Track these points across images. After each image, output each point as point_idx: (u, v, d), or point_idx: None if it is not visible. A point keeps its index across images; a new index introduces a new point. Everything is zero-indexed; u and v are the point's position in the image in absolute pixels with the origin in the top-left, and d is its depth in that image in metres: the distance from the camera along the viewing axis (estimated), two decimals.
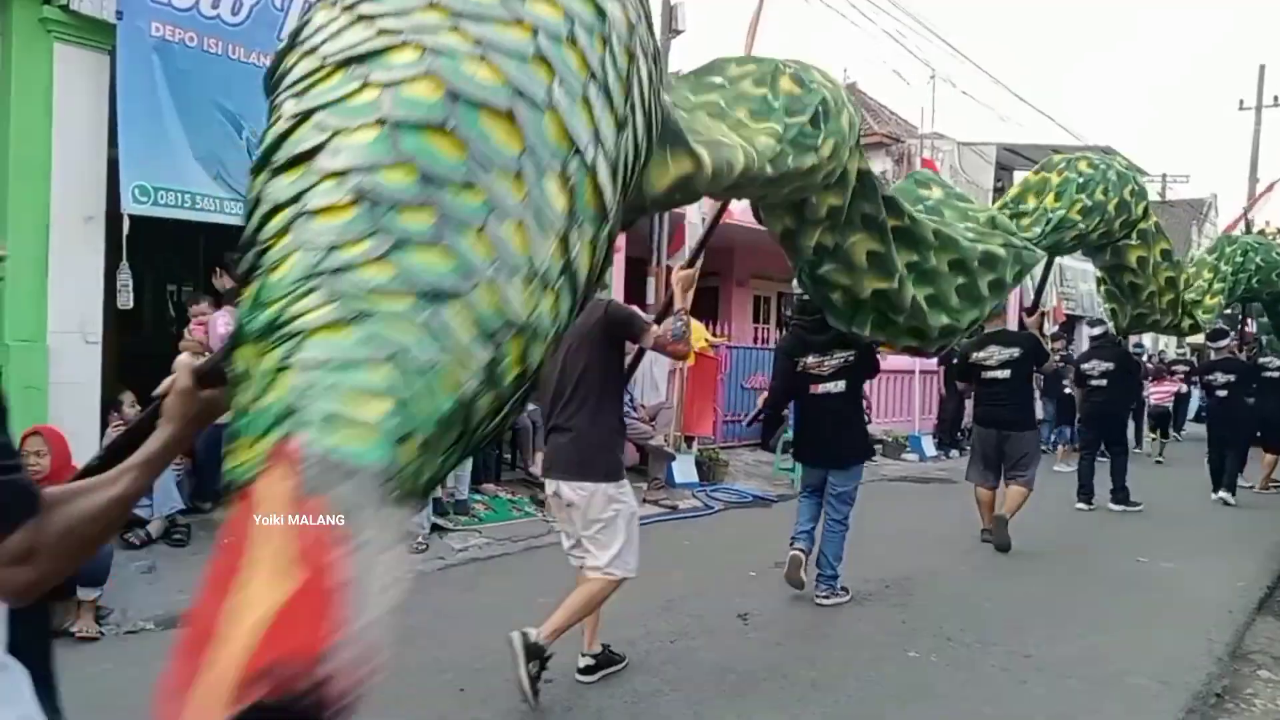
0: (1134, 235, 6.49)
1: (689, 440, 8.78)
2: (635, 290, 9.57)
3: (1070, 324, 17.78)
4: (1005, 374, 6.50)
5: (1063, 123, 60.84)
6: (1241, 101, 22.97)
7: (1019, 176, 22.36)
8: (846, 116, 3.26)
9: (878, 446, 10.60)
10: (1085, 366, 8.87)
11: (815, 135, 3.08)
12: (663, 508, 7.56)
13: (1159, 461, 12.49)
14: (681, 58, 11.46)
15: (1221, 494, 8.96)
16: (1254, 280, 8.63)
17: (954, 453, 12.30)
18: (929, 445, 11.98)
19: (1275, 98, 22.65)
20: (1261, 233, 11.43)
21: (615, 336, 3.78)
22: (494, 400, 1.19)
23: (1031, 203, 5.82)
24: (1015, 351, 6.51)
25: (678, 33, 9.18)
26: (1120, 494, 8.37)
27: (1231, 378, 9.12)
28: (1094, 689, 3.99)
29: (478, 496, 6.98)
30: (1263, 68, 22.67)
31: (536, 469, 7.62)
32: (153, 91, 5.32)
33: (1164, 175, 24.17)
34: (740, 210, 8.60)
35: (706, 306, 12.83)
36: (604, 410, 3.71)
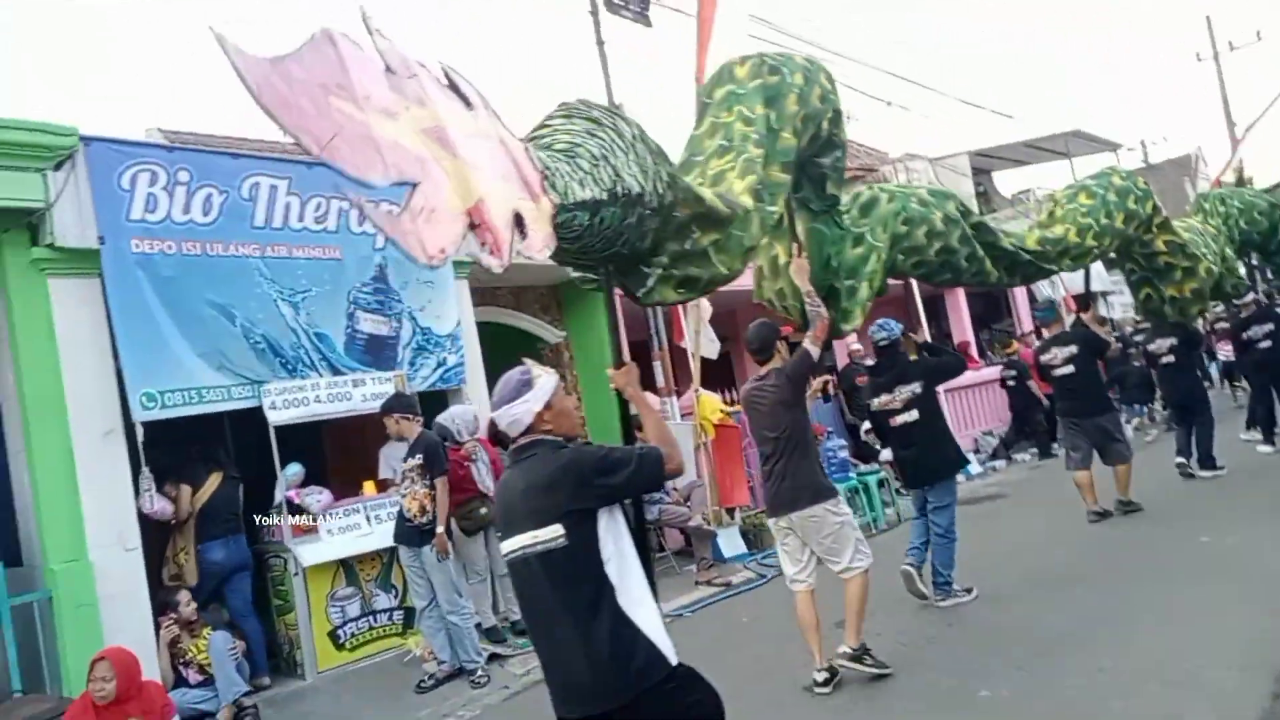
0: (1154, 228, 7.32)
1: (730, 512, 8.74)
2: (644, 374, 9.68)
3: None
4: (1070, 369, 7.43)
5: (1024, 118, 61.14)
6: (1198, 54, 23.16)
7: (997, 177, 22.51)
8: None
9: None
10: (1151, 347, 9.13)
11: None
12: (716, 586, 7.49)
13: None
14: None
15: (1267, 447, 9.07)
16: (1241, 222, 8.99)
17: (1001, 463, 12.13)
18: (974, 463, 11.80)
19: (1230, 43, 22.82)
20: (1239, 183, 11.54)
21: (798, 387, 4.84)
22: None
23: (1059, 230, 6.64)
24: (1073, 349, 7.44)
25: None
26: (1207, 461, 8.46)
27: (1270, 327, 9.00)
28: (1174, 691, 3.88)
29: None
30: (1209, 19, 22.91)
31: None
32: (144, 303, 5.59)
33: (1141, 142, 24.23)
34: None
35: (720, 375, 12.90)
36: (805, 453, 4.76)
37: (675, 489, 8.39)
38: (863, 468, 9.36)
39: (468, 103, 2.62)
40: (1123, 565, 6.00)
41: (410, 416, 5.98)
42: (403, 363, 6.99)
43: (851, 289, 5.20)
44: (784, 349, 4.99)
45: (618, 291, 3.65)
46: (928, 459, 5.86)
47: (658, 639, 2.52)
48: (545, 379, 2.72)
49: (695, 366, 8.60)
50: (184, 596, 5.70)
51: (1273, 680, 3.82)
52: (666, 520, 8.07)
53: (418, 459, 5.83)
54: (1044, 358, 7.70)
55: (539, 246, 2.76)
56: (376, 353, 6.84)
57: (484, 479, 6.66)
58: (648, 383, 9.45)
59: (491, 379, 7.79)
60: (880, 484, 9.37)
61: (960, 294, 14.71)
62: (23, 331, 5.40)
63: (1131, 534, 6.85)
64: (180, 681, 5.46)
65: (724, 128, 4.32)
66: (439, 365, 7.20)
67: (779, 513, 4.77)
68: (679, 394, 9.45)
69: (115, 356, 5.58)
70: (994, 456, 12.44)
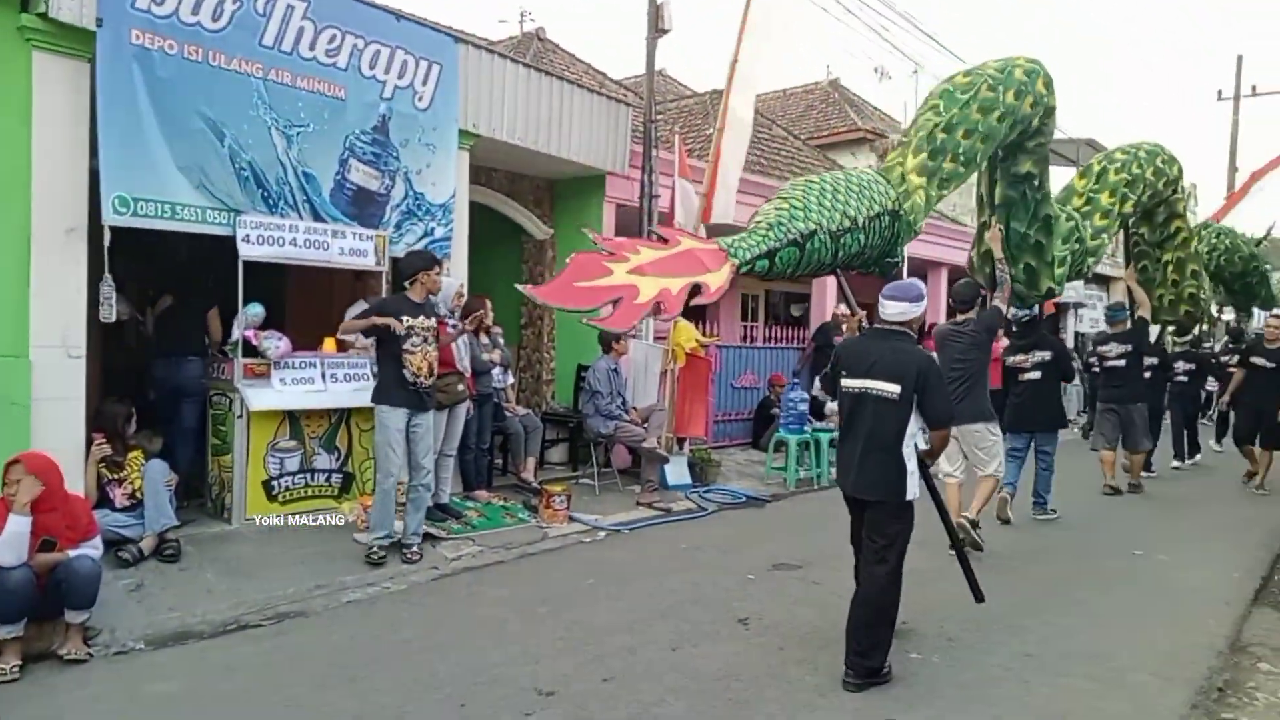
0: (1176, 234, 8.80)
1: (681, 442, 8.74)
2: None
3: (1058, 313, 17.94)
4: (1122, 363, 8.87)
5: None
6: (1220, 92, 23.15)
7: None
8: None
9: None
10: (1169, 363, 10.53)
11: None
12: (656, 510, 7.52)
13: None
14: (667, 57, 11.42)
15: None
16: (1222, 259, 10.63)
17: None
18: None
19: (1253, 88, 22.84)
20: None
21: (990, 334, 6.45)
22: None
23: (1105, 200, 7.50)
24: (1129, 346, 8.87)
25: (663, 32, 9.13)
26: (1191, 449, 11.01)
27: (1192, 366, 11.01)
28: (1097, 687, 3.98)
29: (470, 503, 6.91)
30: (1240, 58, 22.88)
31: (529, 474, 7.59)
32: (133, 100, 5.21)
33: None
34: (723, 210, 8.61)
35: (695, 307, 12.80)
36: (980, 383, 6.36)
37: (635, 408, 8.34)
38: (817, 424, 9.41)
39: (666, 241, 4.47)
40: (1059, 563, 6.15)
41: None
42: (389, 223, 6.71)
43: (1054, 259, 6.72)
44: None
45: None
46: (1044, 412, 7.60)
47: (911, 476, 3.99)
48: (925, 302, 4.25)
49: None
50: (122, 411, 5.47)
51: (1192, 692, 3.94)
52: (621, 437, 8.02)
53: (433, 320, 5.77)
54: (1101, 348, 9.10)
55: (715, 293, 4.35)
56: (363, 207, 6.55)
57: (462, 356, 6.51)
58: None
59: (472, 260, 7.61)
60: (831, 442, 9.44)
61: (943, 281, 14.75)
62: None
63: (1071, 537, 7.02)
64: (104, 502, 5.27)
65: (922, 126, 5.69)
66: (425, 234, 6.93)
67: (974, 422, 6.32)
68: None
69: (93, 153, 5.22)
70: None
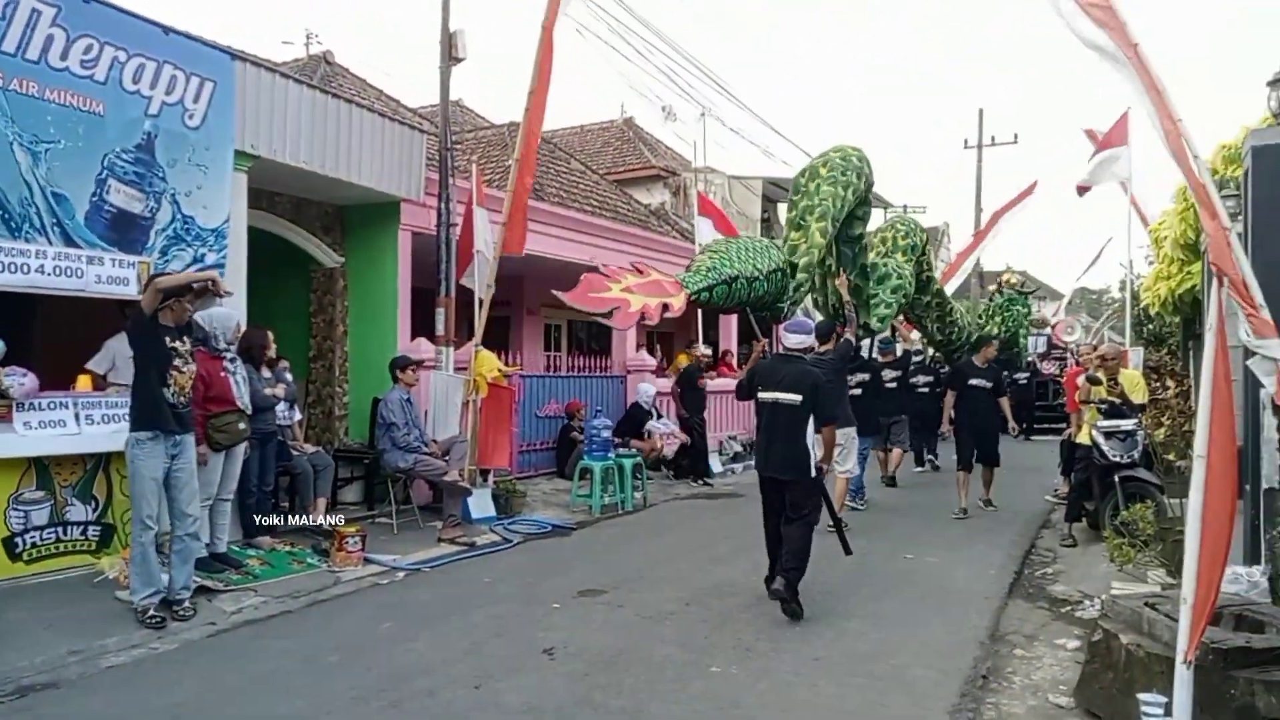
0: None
1: (485, 474, 8.57)
2: (424, 321, 9.28)
3: None
4: (894, 385, 10.56)
5: None
6: (966, 141, 26.00)
7: (781, 209, 23.95)
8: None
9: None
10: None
11: None
12: (459, 545, 7.30)
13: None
14: (467, 88, 11.35)
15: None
16: (1011, 322, 15.78)
17: (740, 465, 12.85)
18: (716, 462, 12.44)
19: (993, 138, 25.85)
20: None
21: (845, 360, 7.85)
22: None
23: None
24: (899, 371, 10.86)
25: (457, 61, 9.05)
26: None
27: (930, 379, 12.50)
28: (879, 684, 4.25)
29: (252, 551, 6.41)
30: (981, 111, 25.85)
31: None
32: None
33: (904, 206, 26.75)
34: (530, 239, 8.62)
35: (498, 336, 12.67)
36: (843, 397, 7.74)
37: (435, 440, 8.10)
38: (622, 450, 9.53)
39: (641, 272, 6.47)
40: (839, 572, 6.51)
41: None
42: (153, 249, 6.15)
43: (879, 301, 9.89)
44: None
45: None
46: (862, 419, 8.52)
47: (813, 460, 5.39)
48: (814, 335, 6.37)
49: (480, 323, 8.34)
50: None
51: (961, 682, 4.29)
52: (421, 471, 7.76)
53: (190, 345, 5.27)
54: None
55: (677, 311, 6.49)
56: (123, 231, 5.98)
57: (242, 393, 6.03)
58: (428, 329, 9.06)
59: (252, 290, 7.12)
60: (635, 467, 9.61)
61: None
62: None
63: (853, 545, 7.47)
64: None
65: (809, 197, 8.57)
66: (195, 261, 6.40)
67: (842, 426, 7.24)
68: (457, 346, 9.13)
69: None
70: (735, 459, 13.18)
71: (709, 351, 15.34)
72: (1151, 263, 12.63)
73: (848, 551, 5.96)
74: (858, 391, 8.74)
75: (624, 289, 6.14)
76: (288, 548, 6.63)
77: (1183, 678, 2.67)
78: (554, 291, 6.00)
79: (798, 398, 5.39)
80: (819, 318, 9.36)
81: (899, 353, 11.19)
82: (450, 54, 9.00)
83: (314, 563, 6.42)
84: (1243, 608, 3.96)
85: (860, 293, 9.20)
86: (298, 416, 7.71)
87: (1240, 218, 5.36)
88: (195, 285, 5.11)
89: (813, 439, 5.38)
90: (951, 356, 13.58)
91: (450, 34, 8.98)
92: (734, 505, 9.73)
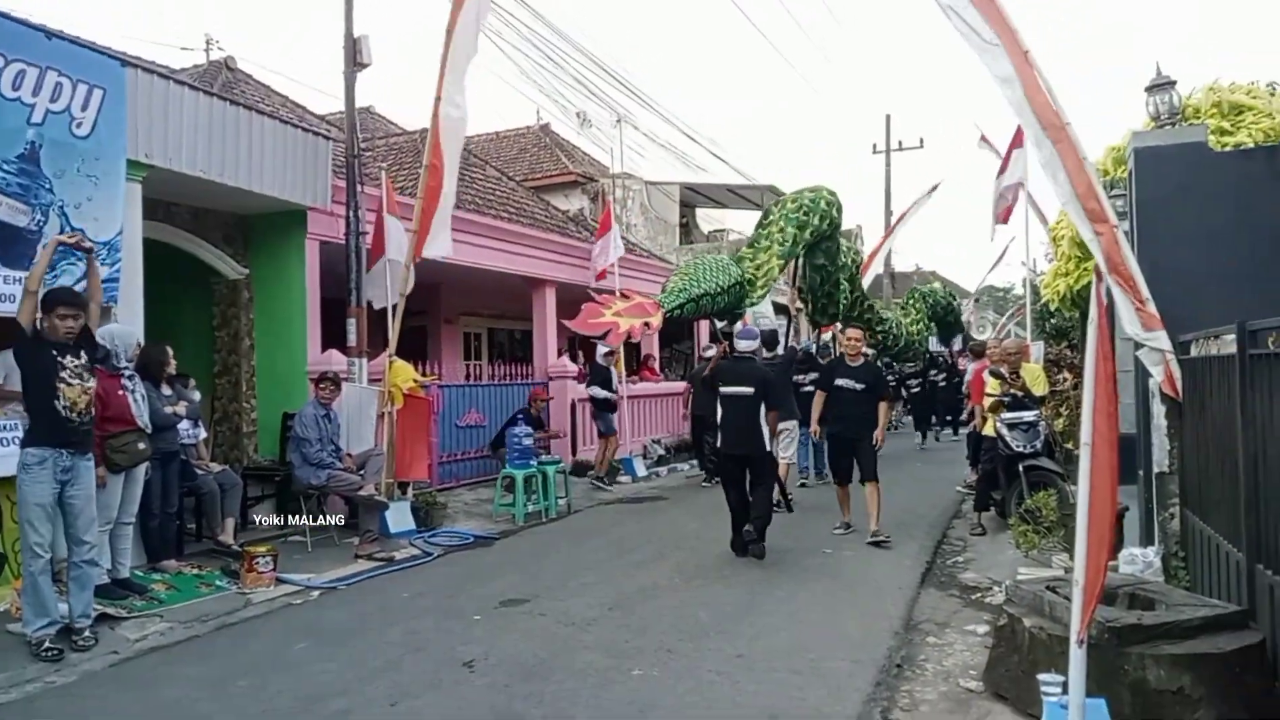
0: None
1: (403, 486, 8.41)
2: (335, 332, 9.05)
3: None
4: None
5: (735, 166, 67.31)
6: (875, 145, 26.70)
7: (700, 213, 24.24)
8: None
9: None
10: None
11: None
12: (377, 561, 7.14)
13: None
14: (366, 92, 11.15)
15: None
16: (935, 308, 18.05)
17: (664, 469, 12.91)
18: (640, 466, 12.47)
19: (899, 143, 26.58)
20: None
21: (790, 365, 9.95)
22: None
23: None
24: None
25: (362, 66, 8.87)
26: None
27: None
28: (798, 678, 4.31)
29: (156, 576, 6.15)
30: (888, 117, 26.57)
31: (228, 536, 6.92)
32: None
33: None
34: (439, 245, 8.49)
35: (414, 346, 12.44)
36: (790, 395, 9.42)
37: (349, 454, 7.91)
38: (545, 457, 9.48)
39: (628, 297, 8.52)
40: (758, 569, 6.62)
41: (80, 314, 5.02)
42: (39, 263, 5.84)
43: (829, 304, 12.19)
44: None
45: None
46: (804, 411, 9.17)
47: (766, 439, 6.92)
48: (760, 339, 7.72)
49: (394, 333, 8.18)
50: None
51: (877, 671, 4.39)
52: (335, 487, 7.56)
53: (84, 361, 4.97)
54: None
55: (656, 329, 8.96)
56: (8, 246, 5.66)
57: (141, 411, 5.78)
58: (339, 341, 8.84)
59: (151, 304, 6.84)
60: (560, 474, 9.56)
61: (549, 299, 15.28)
62: None
63: (772, 541, 7.57)
64: None
65: (770, 232, 10.79)
66: (86, 276, 6.11)
67: (787, 420, 9.05)
68: (370, 357, 8.93)
69: None
70: (659, 462, 13.24)
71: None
72: (1051, 260, 13.16)
73: (789, 510, 8.27)
74: (810, 389, 8.97)
75: (614, 313, 7.96)
76: (195, 570, 6.38)
77: (1076, 656, 2.78)
78: (563, 321, 8.22)
79: (751, 389, 6.86)
80: (766, 324, 11.52)
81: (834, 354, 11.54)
82: (355, 60, 8.82)
83: (223, 585, 6.19)
84: (1136, 587, 4.16)
85: (831, 297, 12.07)
86: (203, 434, 7.43)
87: (1127, 216, 5.64)
88: (59, 246, 5.12)
89: (765, 424, 6.86)
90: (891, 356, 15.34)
91: (355, 39, 8.80)
92: (659, 508, 9.77)
